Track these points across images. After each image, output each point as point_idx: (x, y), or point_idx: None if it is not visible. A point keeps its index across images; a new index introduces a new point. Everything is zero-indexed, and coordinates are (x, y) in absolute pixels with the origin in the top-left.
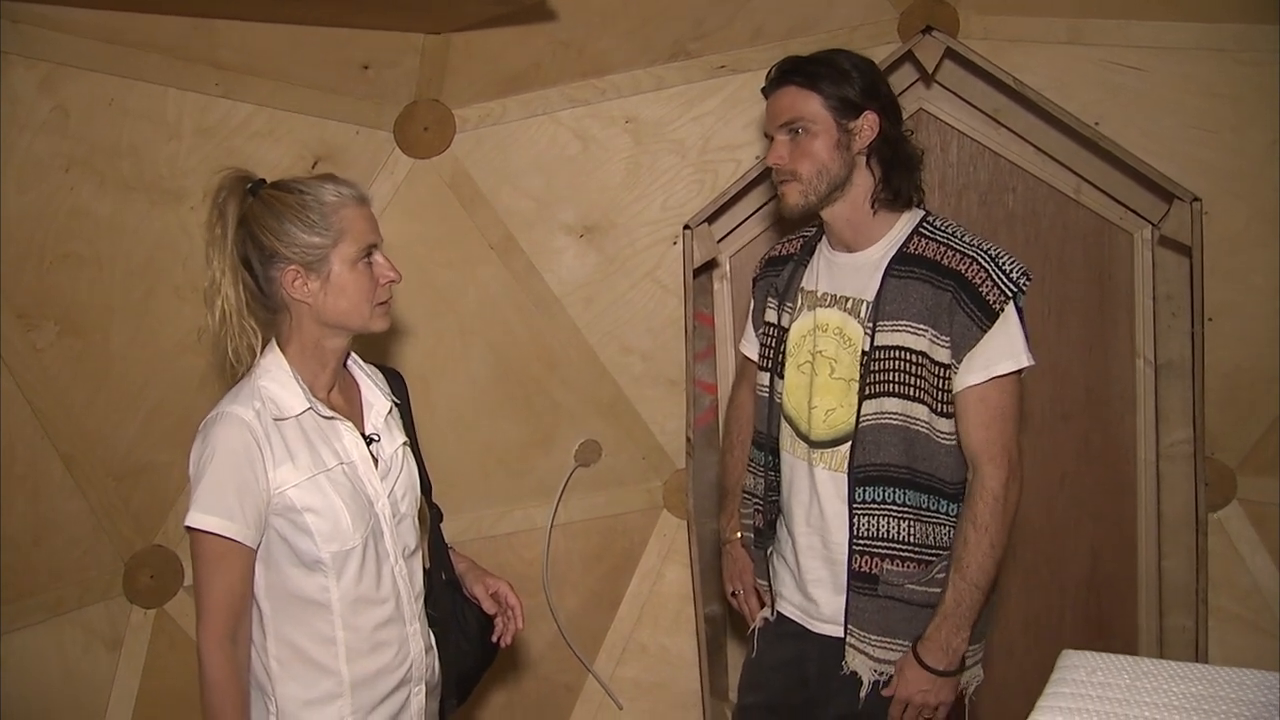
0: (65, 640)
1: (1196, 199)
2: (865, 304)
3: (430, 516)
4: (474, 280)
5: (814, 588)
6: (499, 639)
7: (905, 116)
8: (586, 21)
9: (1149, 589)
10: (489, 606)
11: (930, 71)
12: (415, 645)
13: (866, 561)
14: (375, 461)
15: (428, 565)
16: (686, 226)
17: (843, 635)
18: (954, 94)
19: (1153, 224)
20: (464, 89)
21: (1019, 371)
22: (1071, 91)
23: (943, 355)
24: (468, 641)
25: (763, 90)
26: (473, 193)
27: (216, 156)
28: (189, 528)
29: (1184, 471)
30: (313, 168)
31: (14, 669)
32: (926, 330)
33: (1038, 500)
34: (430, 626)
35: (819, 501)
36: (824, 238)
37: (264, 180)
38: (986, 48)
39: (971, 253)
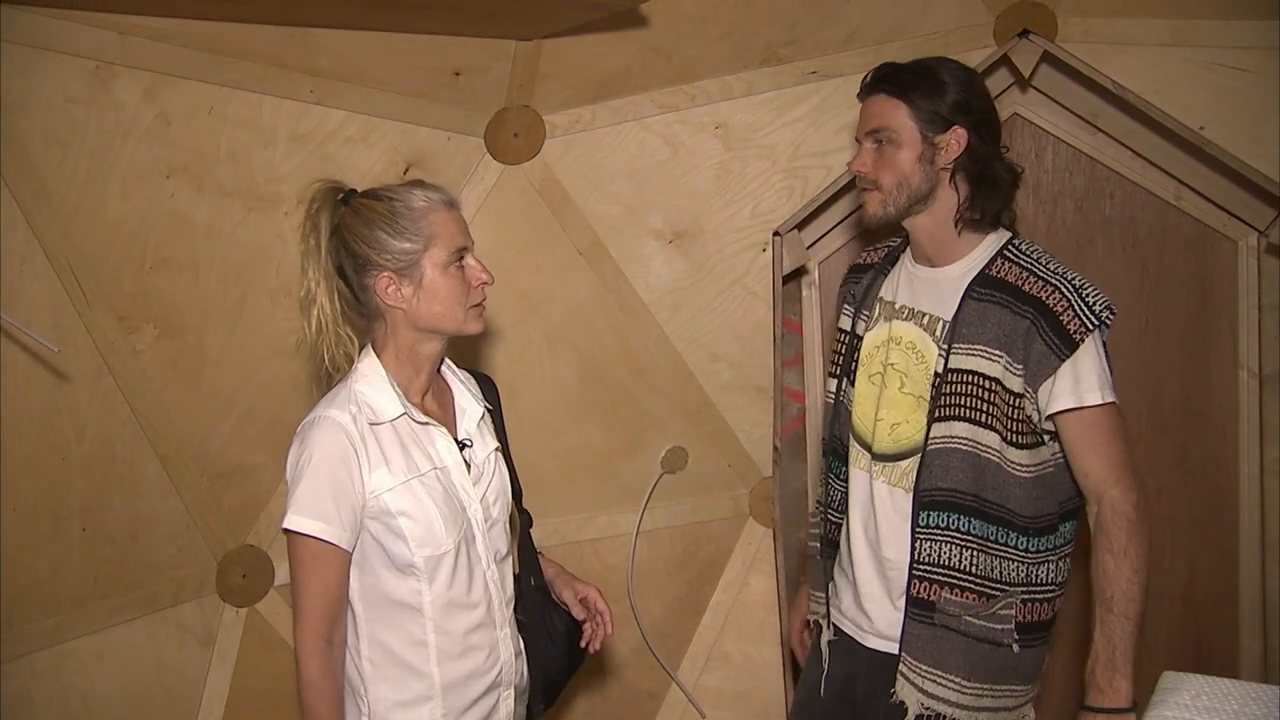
0: (160, 636)
1: None
2: (942, 323)
3: (520, 522)
4: (562, 286)
5: (868, 602)
6: (588, 645)
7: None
8: (677, 27)
9: (1251, 609)
10: (578, 612)
11: (1026, 76)
12: (506, 650)
13: (925, 588)
14: (468, 467)
15: (517, 570)
16: (776, 233)
17: (894, 652)
18: (1049, 98)
19: (1259, 231)
20: (554, 95)
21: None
22: (1174, 95)
23: (1015, 384)
24: (555, 647)
25: (858, 94)
26: (562, 198)
27: (310, 163)
28: (286, 530)
29: None
30: (404, 173)
31: (112, 663)
32: (1001, 356)
33: None
34: (519, 631)
35: (875, 515)
36: (908, 249)
37: (355, 190)
38: (1085, 51)
39: (1055, 280)
